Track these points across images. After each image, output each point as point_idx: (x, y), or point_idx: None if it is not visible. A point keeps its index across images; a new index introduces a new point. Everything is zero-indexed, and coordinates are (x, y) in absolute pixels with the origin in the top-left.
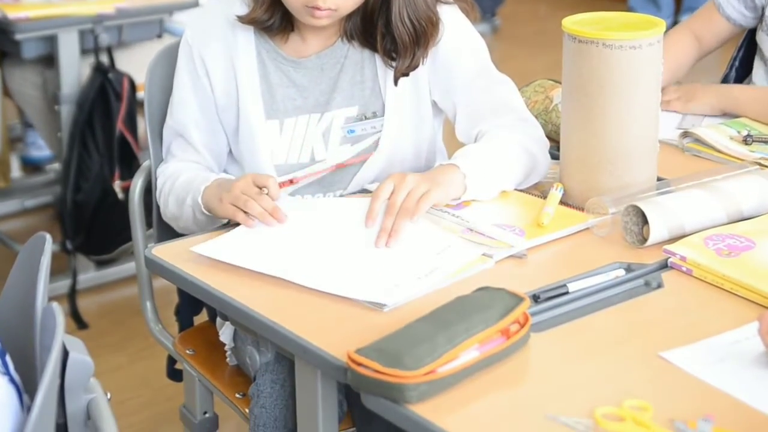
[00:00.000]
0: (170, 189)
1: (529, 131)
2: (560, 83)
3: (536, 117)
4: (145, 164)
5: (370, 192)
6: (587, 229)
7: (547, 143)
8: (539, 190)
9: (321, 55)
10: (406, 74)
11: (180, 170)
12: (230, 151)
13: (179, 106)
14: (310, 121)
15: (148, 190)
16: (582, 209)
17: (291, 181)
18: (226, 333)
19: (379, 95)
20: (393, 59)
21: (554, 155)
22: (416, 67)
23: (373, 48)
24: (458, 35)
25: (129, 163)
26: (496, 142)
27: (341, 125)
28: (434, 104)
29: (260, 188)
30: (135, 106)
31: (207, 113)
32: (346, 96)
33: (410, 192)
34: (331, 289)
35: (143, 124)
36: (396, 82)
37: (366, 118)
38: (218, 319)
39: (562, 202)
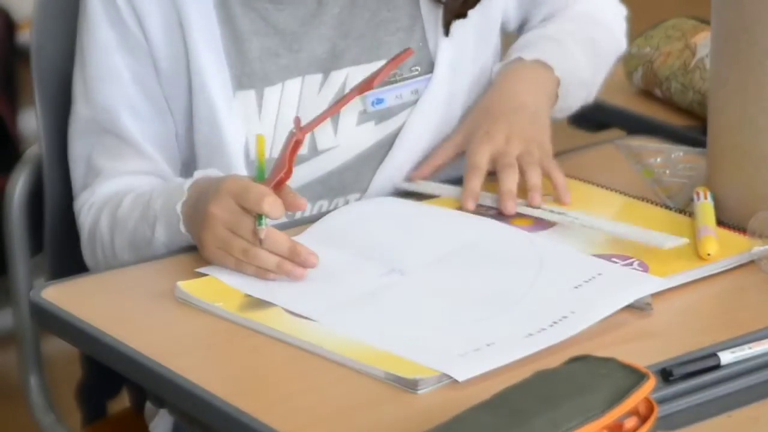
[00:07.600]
0: (111, 226)
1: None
2: (708, 23)
3: (669, 79)
4: (29, 152)
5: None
6: (751, 262)
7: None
8: (663, 190)
9: None
10: (463, 14)
11: (119, 191)
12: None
13: (100, 82)
14: (306, 86)
15: (36, 194)
16: (743, 230)
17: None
18: (160, 427)
19: (422, 40)
20: None
21: (699, 142)
22: None
23: None
24: None
25: (1, 150)
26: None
27: None
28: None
29: (248, 212)
30: (13, 57)
31: (148, 87)
32: (367, 43)
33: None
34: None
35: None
36: (447, 30)
37: (402, 78)
38: (148, 405)
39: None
